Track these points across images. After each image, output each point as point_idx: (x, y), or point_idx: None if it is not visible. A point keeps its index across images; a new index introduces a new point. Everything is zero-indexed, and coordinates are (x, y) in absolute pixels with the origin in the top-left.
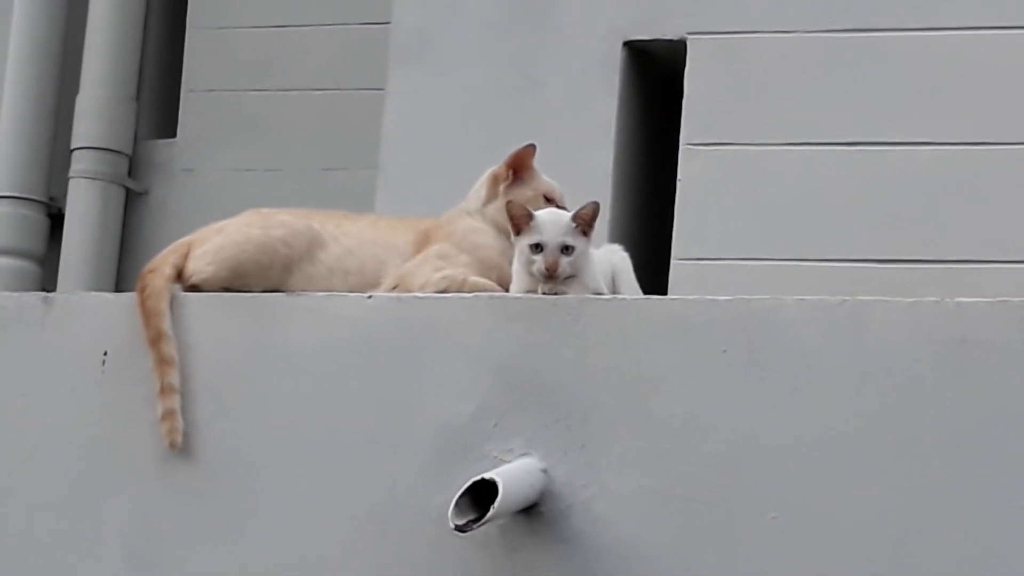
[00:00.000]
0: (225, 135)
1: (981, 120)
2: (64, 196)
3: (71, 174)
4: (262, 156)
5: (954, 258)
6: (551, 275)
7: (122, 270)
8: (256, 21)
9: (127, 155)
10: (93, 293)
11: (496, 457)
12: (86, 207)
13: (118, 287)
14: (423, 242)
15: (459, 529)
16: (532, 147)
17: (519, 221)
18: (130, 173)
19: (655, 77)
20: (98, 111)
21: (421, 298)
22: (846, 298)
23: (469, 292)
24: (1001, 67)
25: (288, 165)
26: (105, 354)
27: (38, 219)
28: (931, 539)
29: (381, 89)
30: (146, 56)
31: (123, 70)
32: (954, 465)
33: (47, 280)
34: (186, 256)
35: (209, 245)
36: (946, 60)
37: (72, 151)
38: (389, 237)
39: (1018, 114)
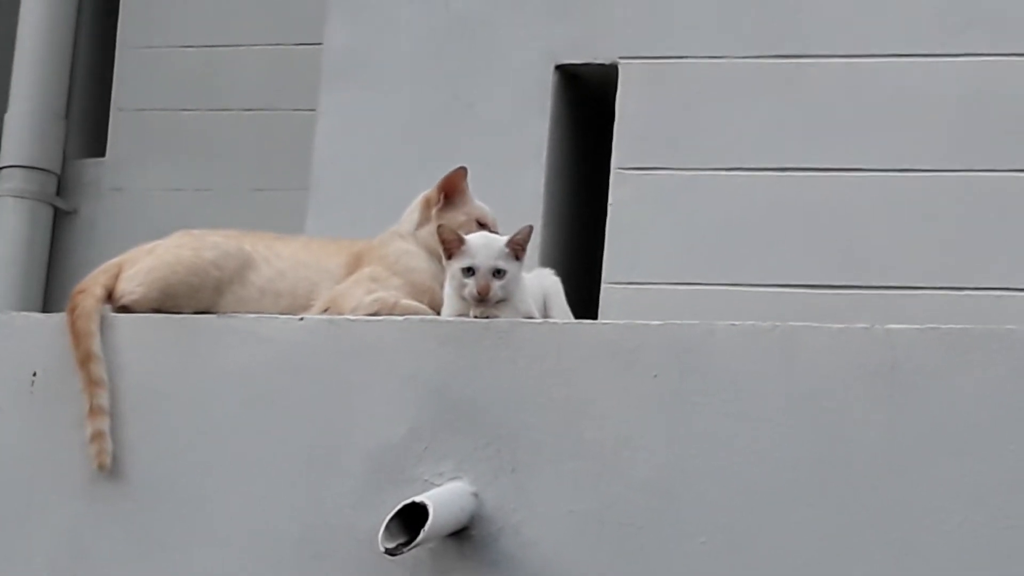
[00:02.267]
0: (155, 154)
1: (910, 146)
2: None
3: None
4: (192, 175)
5: (884, 284)
6: (483, 299)
7: (50, 290)
8: (186, 40)
9: (56, 174)
10: (22, 313)
11: (427, 480)
12: (14, 226)
13: (46, 307)
14: (355, 264)
15: (389, 552)
16: (463, 170)
17: (451, 245)
18: (59, 192)
19: (587, 101)
20: (26, 129)
21: (353, 321)
22: (777, 324)
23: (401, 315)
24: (929, 94)
25: (219, 185)
26: (34, 375)
27: None
28: (861, 563)
29: (312, 109)
30: (75, 74)
31: (52, 88)
32: (884, 490)
33: None
34: (117, 277)
35: (140, 266)
36: (876, 87)
37: (0, 169)
38: (321, 259)
39: (946, 141)
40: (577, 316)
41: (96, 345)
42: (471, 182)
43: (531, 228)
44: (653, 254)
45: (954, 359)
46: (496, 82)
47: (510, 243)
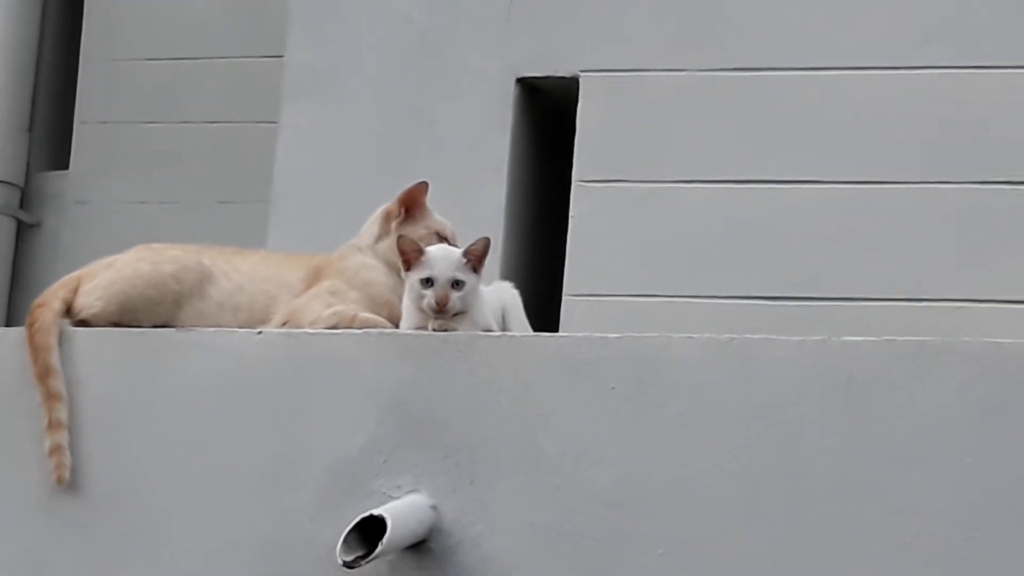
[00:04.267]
0: (118, 167)
1: (868, 159)
2: None
3: None
4: (155, 188)
5: (841, 295)
6: (441, 310)
7: (13, 302)
8: (150, 53)
9: (19, 187)
10: None
11: (385, 493)
12: None
13: (9, 319)
14: (314, 278)
15: (347, 565)
16: (424, 184)
17: (409, 256)
18: (22, 205)
19: (548, 114)
20: None
21: (311, 334)
22: (734, 336)
23: (359, 328)
24: (887, 107)
25: (181, 197)
26: None
27: None
28: (818, 574)
29: (274, 123)
30: (39, 87)
31: (15, 101)
32: (840, 502)
33: None
34: (75, 291)
35: (99, 280)
36: (834, 100)
37: None
38: (280, 273)
39: (904, 154)
40: (539, 328)
41: (55, 359)
42: (433, 195)
43: (488, 240)
44: (614, 266)
45: (910, 371)
46: (457, 96)
47: (467, 254)
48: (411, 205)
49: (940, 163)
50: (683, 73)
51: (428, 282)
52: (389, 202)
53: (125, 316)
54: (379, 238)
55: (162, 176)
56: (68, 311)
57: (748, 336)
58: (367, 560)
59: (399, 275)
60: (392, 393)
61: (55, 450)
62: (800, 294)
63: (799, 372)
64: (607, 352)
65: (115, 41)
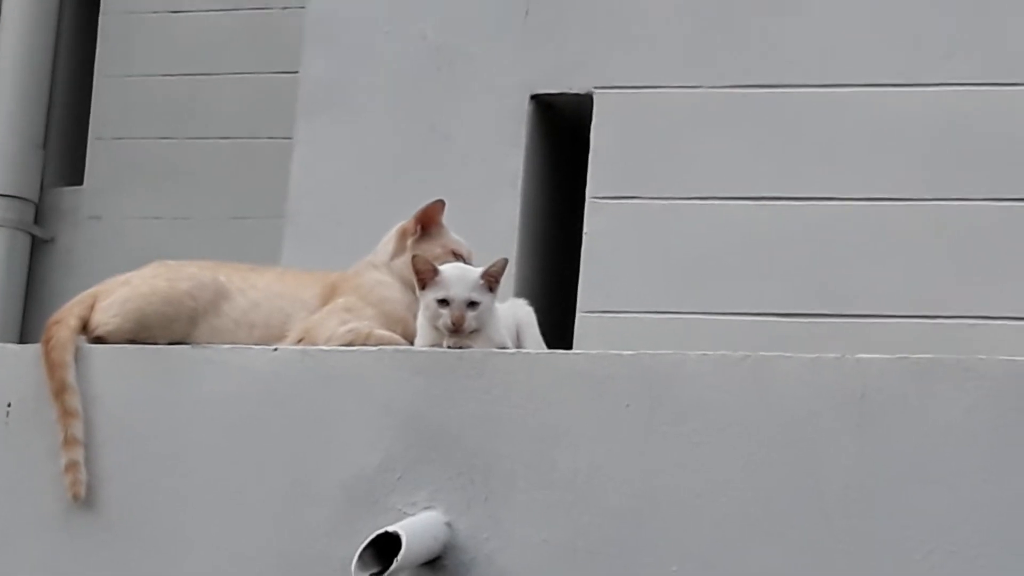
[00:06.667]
0: (132, 183)
1: (884, 176)
2: None
3: None
4: (169, 204)
5: (856, 312)
6: (457, 329)
7: (27, 318)
8: (164, 69)
9: (33, 202)
10: None
11: (400, 510)
12: None
13: (23, 335)
14: (329, 295)
15: None
16: (441, 203)
17: (424, 276)
18: (36, 220)
19: (562, 131)
20: (4, 158)
21: (326, 351)
22: (748, 353)
23: (374, 345)
24: (904, 124)
25: (196, 213)
26: (9, 405)
27: None
28: None
29: (289, 138)
30: (53, 103)
31: (30, 117)
32: (854, 519)
33: None
34: (92, 308)
35: (115, 297)
36: (850, 116)
37: None
38: (295, 290)
39: (920, 170)
40: (553, 345)
41: (71, 376)
42: (447, 211)
43: (506, 261)
44: (628, 283)
45: (924, 389)
46: (472, 112)
47: (484, 275)
48: (427, 223)
49: (956, 180)
50: (698, 90)
51: (444, 302)
52: (405, 219)
53: (141, 333)
54: (395, 255)
55: (176, 192)
56: (84, 328)
57: (762, 353)
58: None
59: (414, 292)
60: (407, 410)
61: (71, 467)
62: (814, 311)
63: (813, 389)
64: (621, 369)
65: (130, 57)
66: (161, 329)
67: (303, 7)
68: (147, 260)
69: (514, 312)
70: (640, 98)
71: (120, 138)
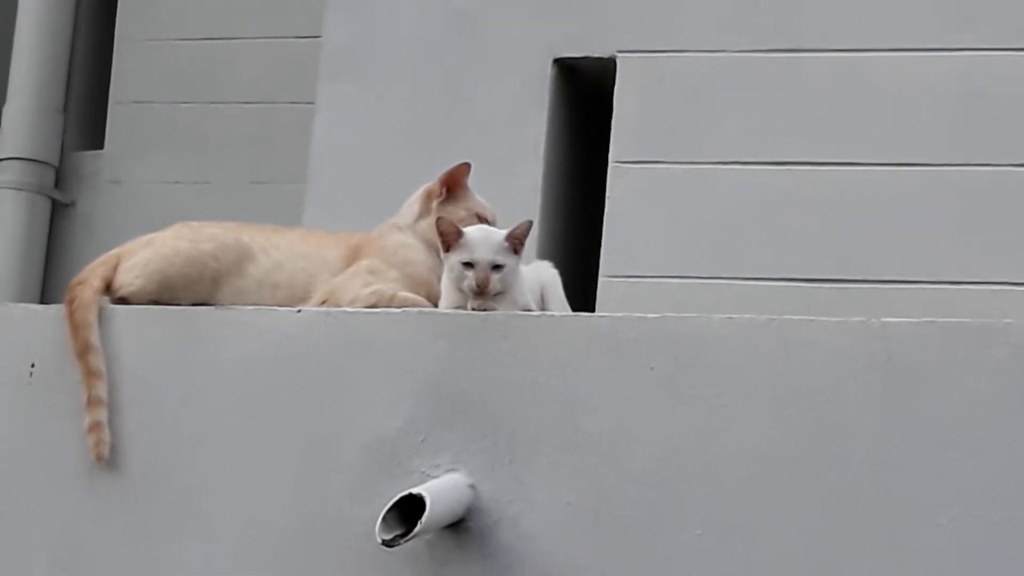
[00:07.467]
0: (153, 147)
1: (908, 141)
2: None
3: None
4: (190, 168)
5: (881, 278)
6: (481, 292)
7: (48, 282)
8: (185, 33)
9: (54, 166)
10: (20, 305)
11: (424, 472)
12: (12, 218)
13: (43, 299)
14: (353, 257)
15: (386, 544)
16: (467, 165)
17: (448, 238)
18: (57, 184)
19: (585, 95)
20: (25, 122)
21: (350, 313)
22: (773, 317)
23: (398, 307)
24: (928, 89)
25: (216, 178)
26: (32, 366)
27: None
28: (855, 556)
29: (311, 103)
30: (74, 67)
31: (50, 81)
32: (879, 483)
33: None
34: (115, 268)
35: (138, 258)
36: (873, 81)
37: None
38: (319, 251)
39: (944, 135)
40: (575, 309)
41: (94, 336)
42: (470, 177)
43: (531, 223)
44: (651, 247)
45: (950, 353)
46: (494, 76)
47: (509, 237)
48: (453, 185)
49: (980, 145)
50: (720, 54)
51: (468, 265)
52: (426, 182)
53: (164, 294)
54: (419, 217)
55: (197, 156)
56: (108, 288)
57: (787, 317)
58: (406, 539)
59: (438, 255)
60: (431, 372)
61: (94, 427)
62: (839, 276)
63: (838, 353)
64: (646, 332)
65: (150, 21)
66: (184, 290)
67: None
68: (167, 224)
69: (539, 274)
70: (663, 62)
71: (141, 102)
